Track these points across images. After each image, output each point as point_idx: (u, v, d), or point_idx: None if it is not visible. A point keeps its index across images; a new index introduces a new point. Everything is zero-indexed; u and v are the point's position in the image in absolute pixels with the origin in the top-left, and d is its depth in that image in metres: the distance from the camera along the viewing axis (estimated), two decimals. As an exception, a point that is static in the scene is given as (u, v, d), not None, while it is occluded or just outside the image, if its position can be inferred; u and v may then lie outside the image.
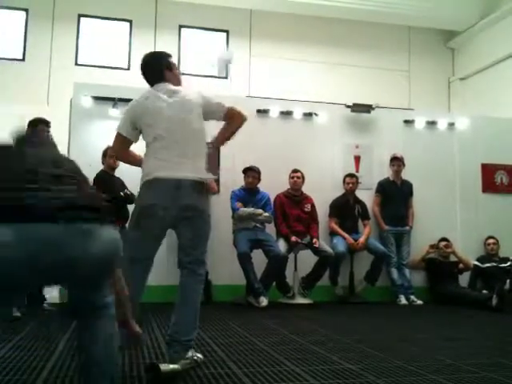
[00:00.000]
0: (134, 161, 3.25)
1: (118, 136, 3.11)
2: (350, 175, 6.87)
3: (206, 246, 3.08)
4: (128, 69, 10.69)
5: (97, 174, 5.80)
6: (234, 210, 6.18)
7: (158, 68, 3.19)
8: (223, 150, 6.57)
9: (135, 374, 2.78)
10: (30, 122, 5.02)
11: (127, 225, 5.77)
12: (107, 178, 5.79)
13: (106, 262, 1.91)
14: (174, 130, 2.99)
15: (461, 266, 6.97)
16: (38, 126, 4.98)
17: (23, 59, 10.40)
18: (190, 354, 2.90)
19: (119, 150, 3.26)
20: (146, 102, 3.06)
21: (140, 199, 3.05)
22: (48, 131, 5.04)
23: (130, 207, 5.80)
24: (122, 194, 5.75)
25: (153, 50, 3.41)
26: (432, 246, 7.01)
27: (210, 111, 3.15)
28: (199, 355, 3.02)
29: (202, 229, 3.04)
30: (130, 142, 3.13)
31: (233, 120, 3.18)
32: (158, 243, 3.05)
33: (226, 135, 3.24)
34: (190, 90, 3.18)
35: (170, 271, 6.06)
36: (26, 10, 10.49)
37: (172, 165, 2.94)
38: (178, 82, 3.22)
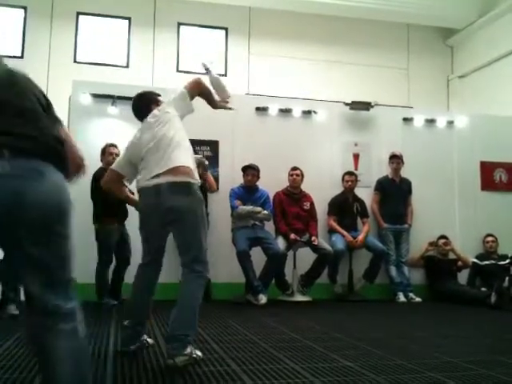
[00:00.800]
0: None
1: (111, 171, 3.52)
2: (349, 173, 6.87)
3: (202, 244, 3.08)
4: (127, 66, 10.67)
5: (95, 172, 5.80)
6: (233, 208, 6.18)
7: (144, 108, 3.47)
8: (222, 148, 6.64)
9: (134, 373, 2.78)
10: None
11: (125, 222, 5.86)
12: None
13: (54, 208, 1.75)
14: (152, 148, 3.19)
15: (460, 263, 6.98)
16: None
17: (22, 57, 10.37)
18: (188, 350, 2.91)
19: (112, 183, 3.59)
20: (138, 141, 3.35)
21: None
22: None
23: (128, 205, 5.85)
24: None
25: (141, 91, 3.67)
26: (431, 244, 7.01)
27: (180, 106, 3.33)
28: (198, 353, 3.02)
29: (191, 228, 3.08)
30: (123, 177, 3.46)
31: (197, 89, 3.42)
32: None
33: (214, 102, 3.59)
34: (163, 105, 3.39)
35: (170, 269, 6.09)
36: (25, 8, 10.46)
37: (150, 174, 3.12)
38: None
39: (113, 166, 3.44)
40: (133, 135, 3.45)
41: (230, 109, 3.76)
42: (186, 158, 3.14)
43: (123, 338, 3.36)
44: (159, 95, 3.57)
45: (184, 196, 3.03)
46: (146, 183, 3.12)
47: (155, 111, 3.35)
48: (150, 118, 3.33)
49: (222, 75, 11.03)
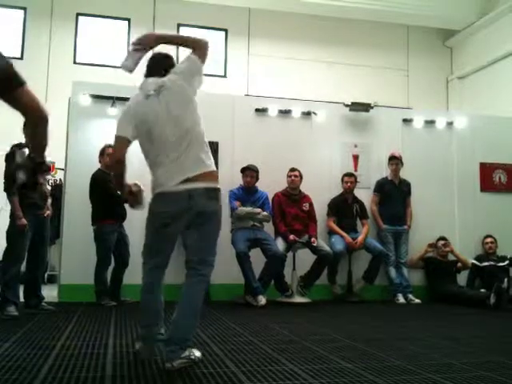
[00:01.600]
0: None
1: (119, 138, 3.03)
2: (349, 174, 6.87)
3: (215, 248, 3.11)
4: (126, 67, 10.67)
5: (94, 173, 5.81)
6: (232, 209, 6.18)
7: (161, 67, 3.16)
8: (222, 149, 6.64)
9: (133, 374, 2.78)
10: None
11: (124, 223, 5.86)
12: (104, 177, 5.79)
13: None
14: (172, 142, 2.99)
15: (459, 264, 6.98)
16: None
17: (21, 58, 10.38)
18: (186, 353, 2.90)
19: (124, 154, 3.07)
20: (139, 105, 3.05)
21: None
22: None
23: (127, 206, 5.85)
24: (118, 192, 5.74)
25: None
26: (430, 245, 7.01)
27: (196, 81, 3.09)
28: (197, 354, 3.02)
29: (213, 232, 3.10)
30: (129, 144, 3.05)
31: (197, 48, 3.14)
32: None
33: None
34: (176, 75, 3.08)
35: (174, 270, 6.09)
36: (25, 9, 10.48)
37: (178, 177, 2.95)
38: None
39: (121, 134, 3.01)
40: (137, 99, 3.09)
41: None
42: (210, 159, 3.08)
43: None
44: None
45: (216, 201, 3.04)
46: (175, 188, 2.94)
47: (168, 81, 3.04)
48: (163, 84, 3.03)
49: (222, 76, 11.06)
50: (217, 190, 3.05)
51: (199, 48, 3.13)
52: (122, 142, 3.01)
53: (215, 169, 3.10)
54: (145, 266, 3.12)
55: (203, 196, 2.95)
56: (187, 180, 2.93)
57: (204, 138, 3.09)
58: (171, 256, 3.14)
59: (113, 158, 3.21)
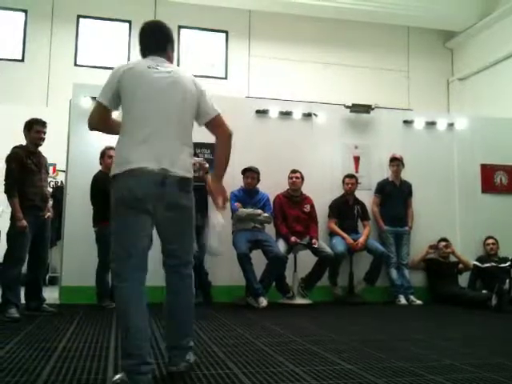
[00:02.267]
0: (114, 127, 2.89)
1: (98, 105, 2.79)
2: (350, 176, 6.87)
3: (191, 243, 2.93)
4: (127, 69, 10.68)
5: (94, 175, 5.82)
6: (233, 210, 6.18)
7: (164, 38, 2.94)
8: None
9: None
10: (27, 123, 5.01)
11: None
12: (105, 179, 5.77)
13: None
14: (164, 118, 2.72)
15: (460, 266, 6.97)
16: (34, 126, 4.97)
17: (22, 60, 10.41)
18: (190, 356, 2.88)
19: (99, 121, 2.86)
20: (134, 70, 2.76)
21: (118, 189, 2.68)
22: (44, 132, 5.03)
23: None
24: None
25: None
26: (431, 247, 7.01)
27: (202, 109, 2.85)
28: (193, 357, 2.96)
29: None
30: (110, 112, 2.84)
31: (219, 133, 2.89)
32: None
33: (223, 164, 2.93)
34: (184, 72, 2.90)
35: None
36: (25, 11, 10.50)
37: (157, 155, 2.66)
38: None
39: (100, 99, 2.77)
40: (131, 63, 2.84)
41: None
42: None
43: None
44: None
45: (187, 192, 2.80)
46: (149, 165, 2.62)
47: (183, 72, 2.86)
48: (171, 69, 2.81)
49: (223, 78, 11.06)
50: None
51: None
52: (99, 109, 2.81)
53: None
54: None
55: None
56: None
57: (190, 138, 2.85)
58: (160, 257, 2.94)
59: (88, 127, 2.89)
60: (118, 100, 2.76)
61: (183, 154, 2.75)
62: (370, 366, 3.05)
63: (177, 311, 2.87)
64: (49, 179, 6.11)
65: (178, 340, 2.85)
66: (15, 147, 4.96)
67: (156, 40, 2.92)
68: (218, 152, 2.96)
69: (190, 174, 2.78)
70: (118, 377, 2.55)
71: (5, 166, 4.83)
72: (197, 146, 5.99)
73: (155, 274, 3.23)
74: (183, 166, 2.73)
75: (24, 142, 5.02)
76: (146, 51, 2.93)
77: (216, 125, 2.87)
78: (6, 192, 4.79)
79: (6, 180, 4.79)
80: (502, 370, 2.99)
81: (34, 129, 4.96)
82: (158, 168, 2.63)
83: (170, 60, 2.95)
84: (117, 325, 2.97)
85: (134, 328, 2.56)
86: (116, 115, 2.97)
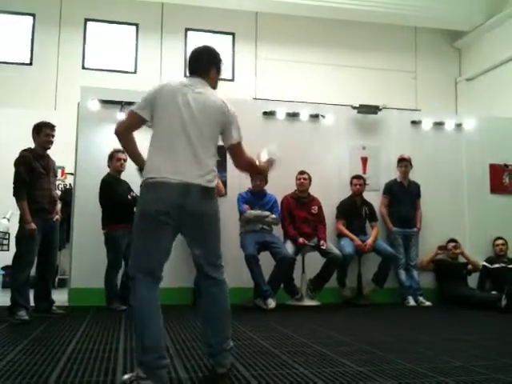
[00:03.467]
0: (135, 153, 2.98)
1: (132, 114, 2.88)
2: (357, 177, 6.85)
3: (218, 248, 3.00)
4: (135, 72, 10.74)
5: (103, 178, 5.83)
6: (241, 212, 6.18)
7: (205, 62, 3.05)
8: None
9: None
10: (35, 126, 5.04)
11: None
12: (113, 182, 5.82)
13: None
14: (190, 127, 2.81)
15: (469, 267, 6.94)
16: (43, 129, 4.99)
17: (30, 63, 10.47)
18: (231, 356, 2.96)
19: (127, 128, 2.92)
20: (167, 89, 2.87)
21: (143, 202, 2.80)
22: (53, 135, 5.05)
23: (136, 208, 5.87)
24: (129, 197, 5.77)
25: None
26: (440, 248, 6.98)
27: (226, 134, 2.99)
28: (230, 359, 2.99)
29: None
30: (141, 123, 2.90)
31: (234, 160, 3.19)
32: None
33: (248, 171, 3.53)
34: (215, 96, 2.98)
35: (173, 273, 6.11)
36: (33, 15, 10.57)
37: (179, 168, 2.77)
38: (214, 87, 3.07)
39: (135, 109, 2.85)
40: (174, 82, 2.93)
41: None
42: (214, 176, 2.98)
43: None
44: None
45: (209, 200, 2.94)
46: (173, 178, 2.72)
47: (214, 95, 2.94)
48: (203, 90, 2.90)
49: (230, 80, 11.07)
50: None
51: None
52: (132, 118, 2.89)
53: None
54: None
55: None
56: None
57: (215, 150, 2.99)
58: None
59: (115, 131, 2.94)
60: (150, 112, 2.85)
61: (206, 167, 2.84)
62: (379, 368, 3.04)
63: (212, 316, 2.93)
64: (57, 182, 6.13)
65: (223, 344, 2.88)
66: (24, 150, 4.99)
67: (197, 62, 3.05)
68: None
69: (212, 184, 2.89)
70: (130, 375, 2.62)
71: (13, 169, 4.86)
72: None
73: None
74: (206, 177, 2.82)
75: (32, 146, 5.04)
76: (189, 73, 3.06)
77: (234, 153, 3.12)
78: (14, 195, 4.81)
79: (14, 183, 4.82)
80: (513, 372, 2.97)
81: (43, 132, 4.99)
82: (180, 180, 2.72)
83: (213, 82, 3.05)
84: (132, 325, 3.03)
85: (150, 325, 2.64)
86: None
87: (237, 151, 3.09)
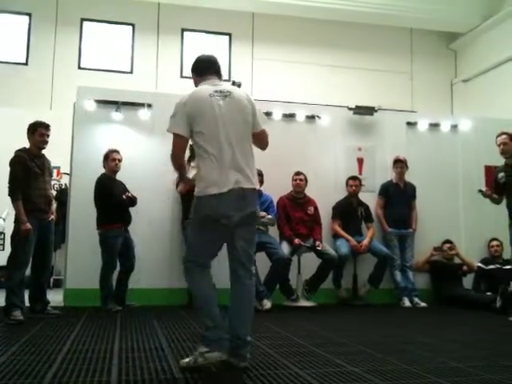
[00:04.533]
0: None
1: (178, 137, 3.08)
2: (353, 178, 6.86)
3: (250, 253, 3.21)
4: (131, 72, 10.72)
5: (98, 178, 5.82)
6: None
7: (217, 64, 3.35)
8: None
9: (139, 378, 2.78)
10: (30, 126, 5.02)
11: (129, 228, 5.87)
12: (109, 182, 5.80)
13: None
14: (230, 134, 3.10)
15: (465, 268, 6.95)
16: (38, 129, 4.98)
17: (26, 63, 10.45)
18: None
19: (181, 152, 3.17)
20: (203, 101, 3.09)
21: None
22: (48, 135, 5.04)
23: (132, 210, 5.86)
24: (124, 197, 5.76)
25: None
26: (436, 249, 6.99)
27: (253, 122, 3.24)
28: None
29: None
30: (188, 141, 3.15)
31: (257, 144, 3.41)
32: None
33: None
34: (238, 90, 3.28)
35: (172, 274, 6.10)
36: (29, 14, 10.54)
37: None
38: None
39: (178, 132, 3.06)
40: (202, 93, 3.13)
41: None
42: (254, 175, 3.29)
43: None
44: None
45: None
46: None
47: (238, 90, 3.27)
48: (228, 89, 3.20)
49: (226, 80, 11.05)
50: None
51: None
52: (180, 141, 3.09)
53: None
54: None
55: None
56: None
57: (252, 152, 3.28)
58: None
59: (171, 158, 3.16)
60: (190, 127, 3.07)
61: (252, 169, 3.20)
62: (374, 368, 3.04)
63: (243, 306, 3.14)
64: (53, 182, 6.12)
65: (243, 336, 3.03)
66: (19, 150, 4.97)
67: (212, 63, 3.33)
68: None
69: (258, 186, 3.24)
70: (189, 358, 3.00)
71: (9, 169, 4.84)
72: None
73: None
74: (253, 179, 3.15)
75: (28, 145, 5.03)
76: (203, 72, 3.29)
77: (258, 137, 3.33)
78: (10, 195, 4.80)
79: (9, 183, 4.81)
80: (507, 373, 2.97)
81: (38, 132, 4.98)
82: (237, 186, 3.01)
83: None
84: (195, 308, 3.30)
85: (206, 306, 3.11)
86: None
87: (262, 135, 3.37)
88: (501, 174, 5.87)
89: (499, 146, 5.88)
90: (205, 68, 3.30)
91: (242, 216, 3.03)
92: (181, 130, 3.05)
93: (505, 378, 2.86)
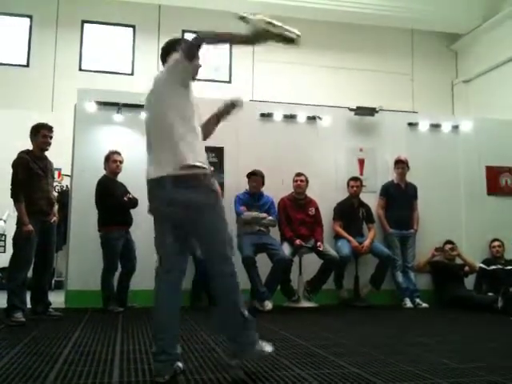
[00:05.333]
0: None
1: None
2: (354, 178, 6.86)
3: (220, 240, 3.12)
4: (132, 74, 10.73)
5: (99, 180, 5.83)
6: (237, 213, 6.18)
7: (163, 54, 3.33)
8: (227, 154, 6.64)
9: (140, 380, 2.78)
10: (33, 128, 5.03)
11: (130, 229, 5.87)
12: (110, 184, 5.81)
13: None
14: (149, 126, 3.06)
15: (466, 268, 6.94)
16: (41, 130, 4.99)
17: (27, 65, 10.46)
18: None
19: None
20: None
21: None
22: (51, 136, 5.05)
23: (134, 212, 5.86)
24: (125, 198, 5.77)
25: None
26: (437, 249, 6.98)
27: (175, 74, 3.09)
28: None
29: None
30: None
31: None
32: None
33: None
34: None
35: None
36: (30, 17, 10.56)
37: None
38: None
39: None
40: None
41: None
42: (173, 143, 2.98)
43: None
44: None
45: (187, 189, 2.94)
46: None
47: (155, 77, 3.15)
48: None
49: (227, 82, 11.07)
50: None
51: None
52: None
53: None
54: None
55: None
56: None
57: (173, 130, 2.90)
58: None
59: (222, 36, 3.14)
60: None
61: (173, 154, 2.85)
62: (376, 369, 3.04)
63: (223, 307, 2.91)
64: (54, 184, 6.12)
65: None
66: (21, 152, 4.98)
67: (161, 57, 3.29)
68: None
69: (185, 171, 2.83)
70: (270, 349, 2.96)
71: (11, 171, 4.85)
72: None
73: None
74: (174, 165, 2.82)
75: (30, 147, 5.04)
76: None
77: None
78: (12, 197, 4.80)
79: (12, 185, 4.81)
80: (510, 374, 2.97)
81: (41, 133, 4.99)
82: (156, 175, 2.86)
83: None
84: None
85: (155, 320, 2.92)
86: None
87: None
88: None
89: None
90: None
91: (168, 205, 2.91)
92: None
93: (508, 378, 2.85)
